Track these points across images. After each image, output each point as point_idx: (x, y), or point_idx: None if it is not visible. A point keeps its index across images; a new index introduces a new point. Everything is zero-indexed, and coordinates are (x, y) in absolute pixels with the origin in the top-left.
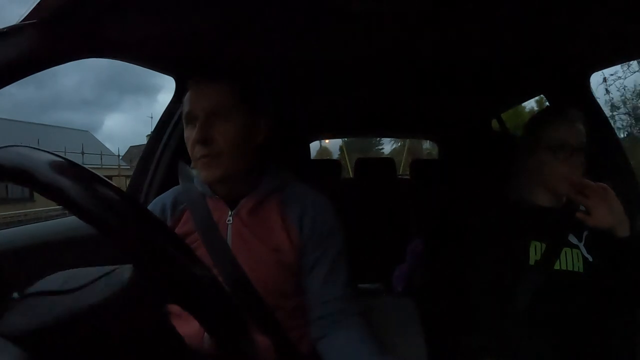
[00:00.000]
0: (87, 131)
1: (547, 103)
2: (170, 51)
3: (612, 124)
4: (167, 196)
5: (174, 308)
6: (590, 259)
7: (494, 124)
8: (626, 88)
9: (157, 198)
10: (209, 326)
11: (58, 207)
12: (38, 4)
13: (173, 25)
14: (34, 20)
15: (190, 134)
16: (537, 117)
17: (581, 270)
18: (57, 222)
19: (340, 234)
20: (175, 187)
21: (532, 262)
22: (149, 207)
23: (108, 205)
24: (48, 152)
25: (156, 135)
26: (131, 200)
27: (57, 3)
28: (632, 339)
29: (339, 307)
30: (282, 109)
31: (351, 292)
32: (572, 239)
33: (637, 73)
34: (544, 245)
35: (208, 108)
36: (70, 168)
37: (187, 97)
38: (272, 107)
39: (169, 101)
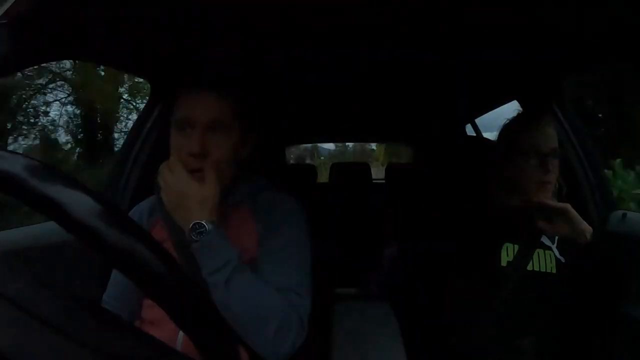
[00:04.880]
0: None
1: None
2: (146, 55)
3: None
4: (144, 204)
5: (147, 315)
6: (563, 260)
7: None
8: None
9: (135, 207)
10: (192, 331)
11: None
12: (10, 5)
13: (149, 28)
14: (4, 21)
15: (181, 141)
16: (510, 124)
17: (554, 271)
18: (29, 229)
19: (299, 230)
20: (153, 196)
21: (504, 263)
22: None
23: (91, 212)
24: (26, 155)
25: (131, 140)
26: (113, 206)
27: (29, 4)
28: (607, 337)
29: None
30: (259, 114)
31: (301, 291)
32: (545, 240)
33: None
34: (516, 247)
35: (209, 117)
36: (50, 173)
37: (183, 103)
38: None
39: None
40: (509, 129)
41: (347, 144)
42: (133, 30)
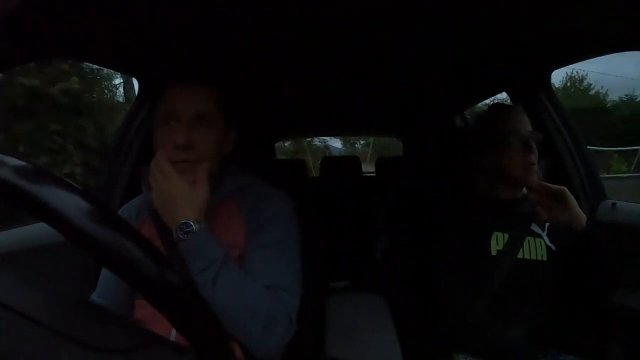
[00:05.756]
0: None
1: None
2: (133, 53)
3: None
4: (132, 203)
5: (139, 314)
6: (554, 248)
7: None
8: None
9: (124, 206)
10: (187, 331)
11: None
12: None
13: (136, 24)
14: None
15: (167, 134)
16: (485, 115)
17: (545, 258)
18: (15, 232)
19: (288, 226)
20: (141, 195)
21: (494, 252)
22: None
23: (80, 210)
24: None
25: (120, 138)
26: (102, 204)
27: (13, 3)
28: (597, 324)
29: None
30: (247, 109)
31: (290, 288)
32: (535, 228)
33: None
34: (506, 236)
35: (194, 111)
36: (37, 173)
37: (169, 96)
38: (240, 113)
39: None
40: (484, 119)
41: (355, 144)
42: (120, 28)
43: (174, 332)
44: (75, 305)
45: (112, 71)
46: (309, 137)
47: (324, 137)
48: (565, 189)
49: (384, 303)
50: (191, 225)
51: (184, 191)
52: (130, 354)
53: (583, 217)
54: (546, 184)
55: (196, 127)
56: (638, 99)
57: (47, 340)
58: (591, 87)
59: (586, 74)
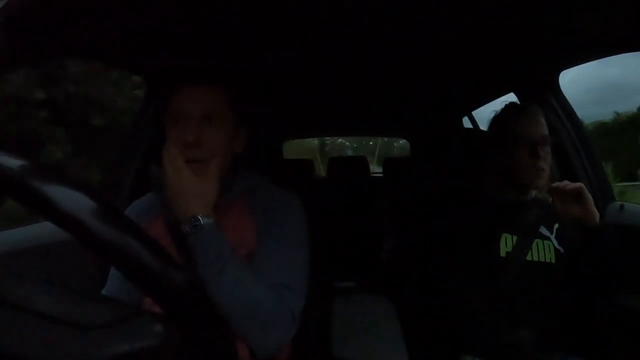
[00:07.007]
0: None
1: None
2: (140, 52)
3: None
4: (142, 201)
5: None
6: (562, 250)
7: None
8: None
9: (134, 203)
10: (191, 330)
11: None
12: (4, 4)
13: (142, 26)
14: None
15: (177, 134)
16: (499, 116)
17: (553, 261)
18: (26, 230)
19: (297, 226)
20: (151, 193)
21: (503, 254)
22: (126, 211)
23: (86, 209)
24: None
25: (128, 137)
26: (108, 203)
27: (23, 2)
28: (605, 327)
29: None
30: (254, 109)
31: (295, 287)
32: (544, 230)
33: None
34: (515, 238)
35: (203, 110)
36: (43, 171)
37: (177, 96)
38: (250, 113)
39: None
40: (498, 120)
41: (371, 142)
42: (127, 27)
43: None
44: (48, 283)
45: None
46: (317, 137)
47: (341, 145)
48: (583, 185)
49: (390, 304)
50: (199, 219)
51: (194, 184)
52: (105, 328)
53: (597, 214)
54: (561, 185)
55: (206, 126)
56: None
57: (22, 319)
58: None
59: None
